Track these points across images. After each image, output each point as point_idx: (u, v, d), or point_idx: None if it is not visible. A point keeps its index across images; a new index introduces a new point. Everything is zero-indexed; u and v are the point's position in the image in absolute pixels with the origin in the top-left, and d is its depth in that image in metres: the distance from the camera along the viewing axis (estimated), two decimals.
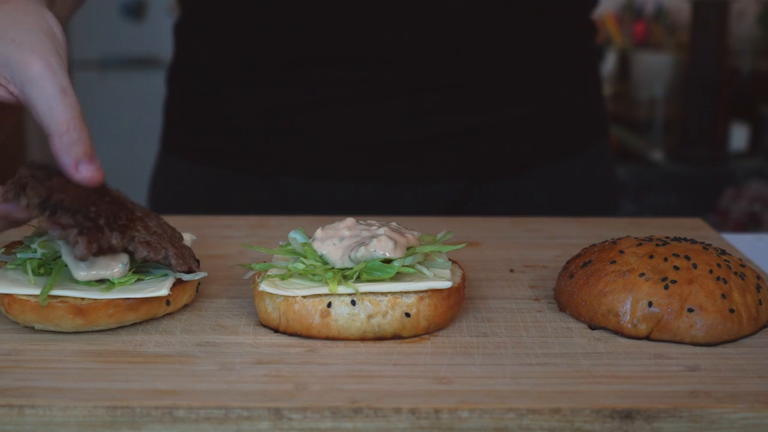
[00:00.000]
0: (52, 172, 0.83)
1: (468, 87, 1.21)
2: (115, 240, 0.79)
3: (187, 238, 0.91)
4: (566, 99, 1.29)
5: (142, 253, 0.80)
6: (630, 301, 0.81)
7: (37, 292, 0.78)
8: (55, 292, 0.79)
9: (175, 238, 0.87)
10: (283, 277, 0.82)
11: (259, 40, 1.19)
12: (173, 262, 0.82)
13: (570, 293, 0.86)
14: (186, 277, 0.84)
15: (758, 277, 0.86)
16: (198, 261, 0.87)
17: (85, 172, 0.79)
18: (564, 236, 1.11)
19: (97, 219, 0.79)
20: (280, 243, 0.88)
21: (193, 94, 1.30)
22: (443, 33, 1.17)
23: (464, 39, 1.18)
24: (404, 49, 1.17)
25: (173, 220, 0.96)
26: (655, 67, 3.46)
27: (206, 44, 1.26)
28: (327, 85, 1.19)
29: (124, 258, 0.81)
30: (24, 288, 0.79)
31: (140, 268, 0.84)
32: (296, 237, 0.85)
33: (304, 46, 1.17)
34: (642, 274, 0.82)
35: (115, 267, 0.80)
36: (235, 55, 1.22)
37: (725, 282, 0.81)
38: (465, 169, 1.25)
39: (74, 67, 3.97)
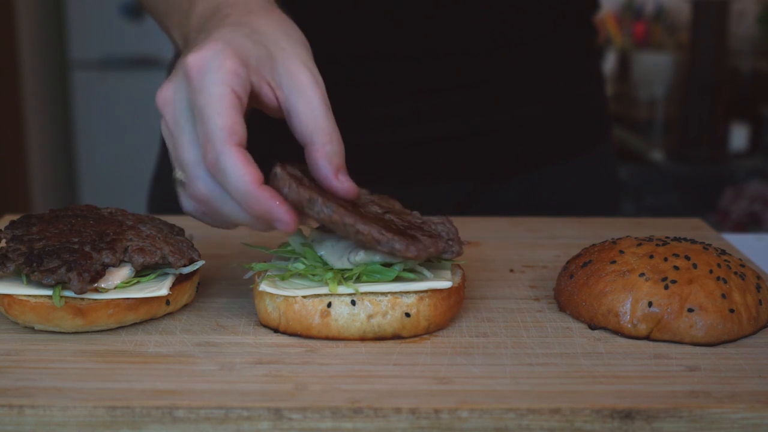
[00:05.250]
0: (32, 220, 0.84)
1: (474, 88, 1.21)
2: (107, 258, 0.79)
3: (188, 238, 0.91)
4: (572, 100, 1.29)
5: (138, 260, 0.81)
6: (630, 301, 0.81)
7: (37, 292, 0.78)
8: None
9: (172, 234, 0.87)
10: (283, 277, 0.82)
11: None
12: (171, 259, 0.82)
13: (570, 293, 0.86)
14: (187, 269, 0.84)
15: (758, 277, 0.86)
16: (198, 251, 0.87)
17: (345, 182, 0.78)
18: (564, 236, 1.11)
19: (81, 247, 0.79)
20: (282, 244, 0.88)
21: None
22: (449, 36, 1.17)
23: (470, 41, 1.18)
24: (411, 50, 1.17)
25: (173, 221, 0.96)
26: (655, 67, 3.45)
27: None
28: (332, 85, 1.19)
29: (126, 267, 0.82)
30: (24, 288, 0.79)
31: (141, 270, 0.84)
32: (295, 238, 0.85)
33: (309, 45, 1.17)
34: (642, 274, 0.82)
35: (117, 279, 0.80)
36: None
37: (725, 282, 0.81)
38: (472, 171, 1.25)
39: (74, 67, 3.97)
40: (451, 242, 0.84)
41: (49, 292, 0.78)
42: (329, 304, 0.78)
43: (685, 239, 0.89)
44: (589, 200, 1.32)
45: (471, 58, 1.19)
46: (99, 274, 0.79)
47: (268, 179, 0.77)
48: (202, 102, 0.74)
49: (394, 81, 1.18)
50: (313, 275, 0.81)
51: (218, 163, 0.73)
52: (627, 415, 0.67)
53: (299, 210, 0.76)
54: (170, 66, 1.35)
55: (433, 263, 0.85)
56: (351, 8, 1.15)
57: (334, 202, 0.76)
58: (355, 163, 1.22)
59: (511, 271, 0.98)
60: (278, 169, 0.78)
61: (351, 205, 0.82)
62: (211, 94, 0.74)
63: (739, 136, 3.15)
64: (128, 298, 0.79)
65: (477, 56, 1.19)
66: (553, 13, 1.24)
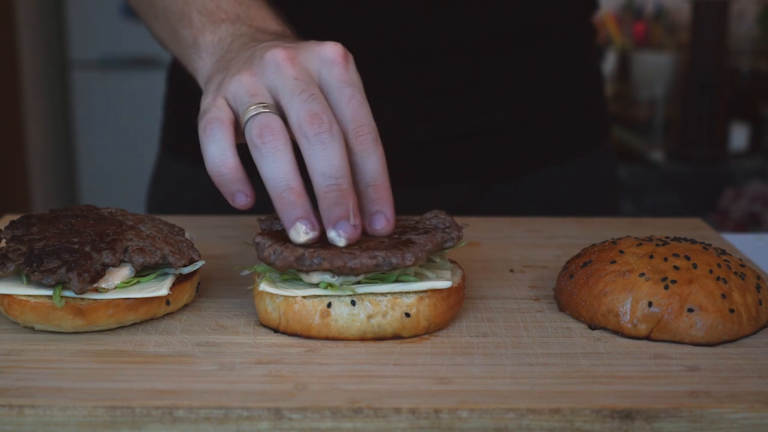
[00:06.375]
0: (32, 220, 0.84)
1: (474, 89, 1.21)
2: (107, 258, 0.79)
3: (188, 238, 0.91)
4: (572, 100, 1.29)
5: (138, 260, 0.81)
6: (630, 301, 0.81)
7: (37, 292, 0.78)
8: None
9: (172, 234, 0.87)
10: (283, 278, 0.82)
11: None
12: (171, 259, 0.82)
13: (570, 293, 0.86)
14: (187, 269, 0.84)
15: (758, 277, 0.86)
16: (198, 251, 0.87)
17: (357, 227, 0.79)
18: (564, 236, 1.11)
19: (82, 247, 0.79)
20: None
21: (194, 90, 1.29)
22: (448, 35, 1.17)
23: (469, 41, 1.18)
24: (409, 50, 1.17)
25: (173, 221, 0.96)
26: (655, 67, 3.45)
27: None
28: None
29: (126, 267, 0.82)
30: (24, 288, 0.79)
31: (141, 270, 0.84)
32: None
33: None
34: (642, 274, 0.82)
35: (117, 279, 0.80)
36: None
37: (725, 282, 0.81)
38: (472, 171, 1.25)
39: (74, 67, 3.97)
40: (448, 230, 0.84)
41: (49, 292, 0.78)
42: (329, 305, 0.78)
43: (685, 239, 0.89)
44: (589, 200, 1.33)
45: (470, 59, 1.19)
46: (99, 274, 0.79)
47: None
48: (358, 83, 0.82)
49: (392, 82, 1.18)
50: None
51: (373, 142, 0.79)
52: (627, 415, 0.67)
53: (292, 269, 0.78)
54: (171, 67, 1.34)
55: (434, 263, 0.85)
56: (349, 9, 1.15)
57: (321, 249, 0.78)
58: None
59: (511, 271, 0.98)
60: (259, 238, 0.81)
61: None
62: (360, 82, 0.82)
63: (739, 136, 3.15)
64: (128, 298, 0.79)
65: (476, 56, 1.19)
66: (553, 13, 1.24)
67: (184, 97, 1.31)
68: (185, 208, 1.27)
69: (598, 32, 1.36)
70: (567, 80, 1.28)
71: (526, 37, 1.22)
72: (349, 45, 1.18)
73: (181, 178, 1.32)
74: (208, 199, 1.29)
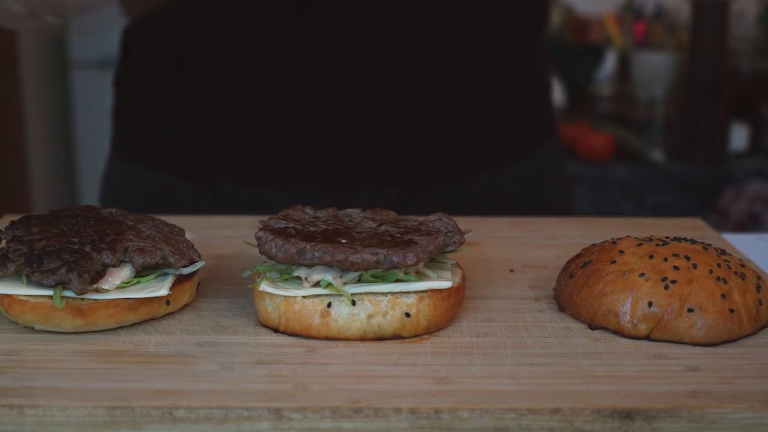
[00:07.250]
0: (32, 220, 0.85)
1: (407, 95, 1.20)
2: (107, 259, 0.79)
3: (188, 238, 0.91)
4: (508, 103, 1.28)
5: (139, 260, 0.81)
6: (630, 301, 0.81)
7: (37, 292, 0.78)
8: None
9: (172, 234, 0.87)
10: (283, 277, 0.82)
11: (204, 48, 1.19)
12: (171, 259, 0.82)
13: (570, 293, 0.86)
14: (187, 270, 0.84)
15: (758, 277, 0.86)
16: (198, 251, 0.87)
17: None
18: (564, 236, 1.11)
19: (82, 247, 0.79)
20: None
21: (138, 98, 1.31)
22: (381, 43, 1.17)
23: (403, 46, 1.17)
24: (343, 60, 1.16)
25: (173, 221, 0.96)
26: (655, 67, 3.45)
27: (153, 50, 1.26)
28: (267, 91, 1.19)
29: (126, 267, 0.82)
30: (24, 288, 0.79)
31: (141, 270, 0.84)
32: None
33: (246, 54, 1.17)
34: (642, 274, 0.82)
35: (117, 280, 0.80)
36: (182, 60, 1.22)
37: (725, 282, 0.81)
38: (400, 178, 1.24)
39: (74, 67, 3.97)
40: (450, 234, 0.84)
41: (50, 292, 0.78)
42: (329, 304, 0.78)
43: (685, 239, 0.89)
44: (535, 200, 1.32)
45: (404, 65, 1.18)
46: (99, 275, 0.79)
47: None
48: None
49: (326, 89, 1.18)
50: None
51: None
52: (627, 415, 0.67)
53: (293, 263, 0.79)
54: (115, 72, 1.35)
55: (435, 263, 0.85)
56: (285, 22, 1.15)
57: (323, 242, 0.78)
58: (287, 169, 1.21)
59: (511, 271, 0.98)
60: (261, 233, 0.81)
61: (344, 228, 0.83)
62: None
63: (739, 136, 3.15)
64: (128, 298, 0.80)
65: (410, 63, 1.19)
66: (493, 20, 1.23)
67: (128, 102, 1.33)
68: (134, 208, 1.29)
69: (545, 33, 1.34)
70: (503, 85, 1.27)
71: (464, 43, 1.21)
72: (290, 63, 1.17)
73: (128, 179, 1.35)
74: (153, 199, 1.31)
